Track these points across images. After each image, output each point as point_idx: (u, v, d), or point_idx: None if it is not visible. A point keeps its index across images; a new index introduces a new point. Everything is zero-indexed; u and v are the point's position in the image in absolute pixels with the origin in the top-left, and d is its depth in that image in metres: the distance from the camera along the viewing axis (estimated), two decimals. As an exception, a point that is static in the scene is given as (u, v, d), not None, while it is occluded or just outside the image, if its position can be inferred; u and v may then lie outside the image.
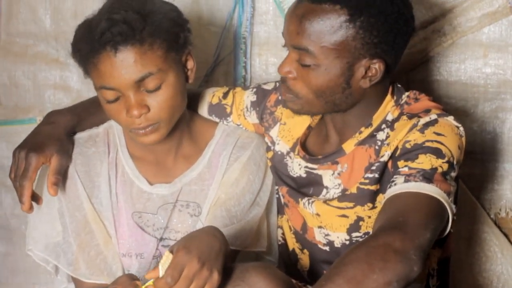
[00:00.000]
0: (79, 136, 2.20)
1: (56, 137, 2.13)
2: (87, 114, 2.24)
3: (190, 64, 2.13)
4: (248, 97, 2.30)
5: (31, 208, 2.07)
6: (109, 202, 2.15)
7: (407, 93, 2.11)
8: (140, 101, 2.02)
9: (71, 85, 2.78)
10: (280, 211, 2.27)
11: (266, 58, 2.64)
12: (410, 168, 1.91)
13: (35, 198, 2.09)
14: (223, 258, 1.82)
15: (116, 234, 2.16)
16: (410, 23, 2.02)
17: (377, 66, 1.98)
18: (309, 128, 2.21)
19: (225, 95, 2.32)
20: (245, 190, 2.20)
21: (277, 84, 2.29)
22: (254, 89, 2.31)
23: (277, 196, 2.28)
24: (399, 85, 2.12)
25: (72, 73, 2.76)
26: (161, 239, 2.17)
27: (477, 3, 2.48)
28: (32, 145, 2.09)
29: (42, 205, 2.14)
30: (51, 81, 2.79)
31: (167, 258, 1.81)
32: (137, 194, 2.17)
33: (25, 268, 2.84)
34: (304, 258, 2.22)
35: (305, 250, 2.21)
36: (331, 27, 1.95)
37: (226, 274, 1.84)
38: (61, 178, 2.10)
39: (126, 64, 1.99)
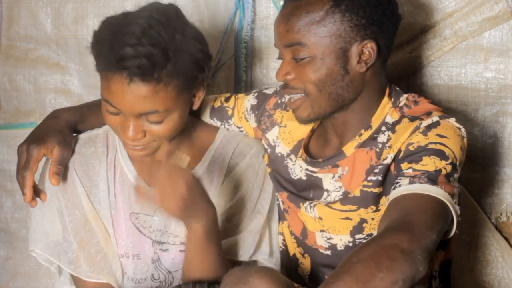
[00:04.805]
0: (80, 137, 2.21)
1: (57, 130, 2.14)
2: (91, 112, 2.25)
3: (200, 93, 2.11)
4: (249, 100, 2.32)
5: (33, 199, 2.08)
6: (107, 201, 2.15)
7: (405, 96, 2.12)
8: (138, 127, 2.02)
9: (72, 89, 2.78)
10: (281, 217, 2.28)
11: (267, 62, 2.65)
12: (414, 170, 1.92)
13: (37, 192, 2.11)
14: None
15: (115, 234, 2.16)
16: (393, 5, 2.07)
17: (369, 48, 2.02)
18: (312, 130, 2.22)
19: (227, 99, 2.34)
20: (244, 198, 2.19)
21: (278, 88, 2.29)
22: (256, 94, 2.33)
23: (277, 202, 2.28)
24: (396, 88, 2.14)
25: (73, 77, 2.77)
26: (159, 242, 2.17)
27: (478, 8, 2.49)
28: (34, 138, 2.12)
29: (43, 204, 2.14)
30: (52, 85, 2.79)
31: None
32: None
33: (25, 271, 2.84)
34: (305, 263, 2.22)
35: (306, 255, 2.22)
36: (318, 17, 2.00)
37: (229, 276, 1.85)
38: (63, 168, 2.11)
39: (136, 96, 1.97)
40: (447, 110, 2.45)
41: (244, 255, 2.15)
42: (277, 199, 2.26)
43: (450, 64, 2.56)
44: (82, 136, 2.21)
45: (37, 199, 2.11)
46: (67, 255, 2.14)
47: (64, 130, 2.16)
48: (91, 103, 2.33)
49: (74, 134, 2.20)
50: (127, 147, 2.08)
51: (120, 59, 1.94)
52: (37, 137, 2.11)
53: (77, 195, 2.15)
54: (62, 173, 2.12)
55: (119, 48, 1.94)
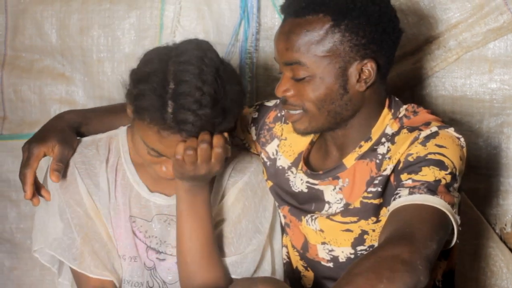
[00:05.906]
0: (83, 140, 2.22)
1: (59, 129, 2.16)
2: (95, 116, 2.27)
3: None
4: (250, 113, 2.32)
5: (34, 196, 2.11)
6: (108, 202, 2.16)
7: (405, 106, 2.12)
8: None
9: (77, 100, 2.78)
10: (283, 231, 2.27)
11: (271, 73, 2.65)
12: (414, 181, 1.92)
13: (39, 189, 2.12)
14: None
15: (114, 235, 2.17)
16: (394, 21, 2.05)
17: (369, 67, 2.01)
18: (312, 143, 2.22)
19: None
20: (241, 217, 2.19)
21: (278, 101, 2.29)
22: (257, 107, 2.33)
23: (278, 217, 2.27)
24: (396, 99, 2.14)
25: (78, 87, 2.77)
26: (156, 251, 2.18)
27: (483, 19, 2.49)
28: (36, 137, 2.16)
29: (46, 203, 2.15)
30: (57, 95, 2.79)
31: None
32: (135, 198, 2.18)
33: (30, 282, 2.84)
34: (308, 276, 2.22)
35: (309, 268, 2.22)
36: (318, 36, 1.99)
37: (235, 287, 1.86)
38: (63, 166, 2.12)
39: None
40: (452, 121, 2.45)
41: (244, 273, 2.14)
42: (279, 214, 2.26)
43: (455, 75, 2.56)
44: (85, 139, 2.22)
45: (41, 199, 2.13)
46: (71, 251, 2.14)
47: (65, 129, 2.17)
48: (97, 108, 2.36)
49: (78, 138, 2.21)
50: (156, 172, 2.10)
51: (181, 123, 1.93)
52: (39, 136, 2.15)
53: (78, 192, 2.15)
54: (63, 171, 2.13)
55: (179, 112, 1.93)
